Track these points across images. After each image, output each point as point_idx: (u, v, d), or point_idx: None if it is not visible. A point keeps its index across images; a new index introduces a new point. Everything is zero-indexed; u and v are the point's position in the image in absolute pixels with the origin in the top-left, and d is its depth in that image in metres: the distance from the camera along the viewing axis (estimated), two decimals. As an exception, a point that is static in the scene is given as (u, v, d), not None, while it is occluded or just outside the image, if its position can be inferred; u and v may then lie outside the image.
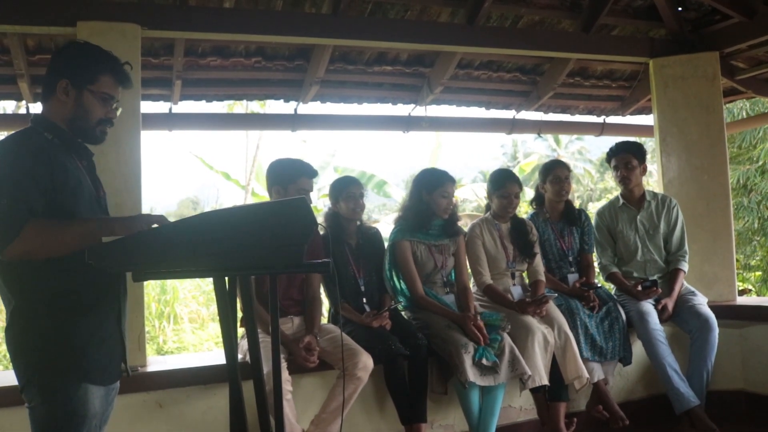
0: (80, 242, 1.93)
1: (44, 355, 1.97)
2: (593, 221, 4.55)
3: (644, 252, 4.36)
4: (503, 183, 4.15)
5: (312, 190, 3.56)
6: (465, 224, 4.37)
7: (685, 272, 4.33)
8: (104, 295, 2.10)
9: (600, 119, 5.95)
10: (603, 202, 15.95)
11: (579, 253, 4.42)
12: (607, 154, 4.52)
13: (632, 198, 4.43)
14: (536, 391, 3.80)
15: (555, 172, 4.36)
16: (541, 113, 5.74)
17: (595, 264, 4.56)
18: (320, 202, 14.67)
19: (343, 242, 3.88)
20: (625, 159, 4.36)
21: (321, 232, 3.59)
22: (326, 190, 15.41)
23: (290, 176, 3.52)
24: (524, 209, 12.05)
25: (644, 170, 4.44)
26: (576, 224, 4.42)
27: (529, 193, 13.94)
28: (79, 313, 2.02)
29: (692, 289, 4.35)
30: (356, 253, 3.90)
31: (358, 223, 3.97)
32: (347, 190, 3.85)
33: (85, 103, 2.12)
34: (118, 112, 2.22)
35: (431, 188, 3.92)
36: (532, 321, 3.80)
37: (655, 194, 4.49)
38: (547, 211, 4.44)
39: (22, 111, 5.06)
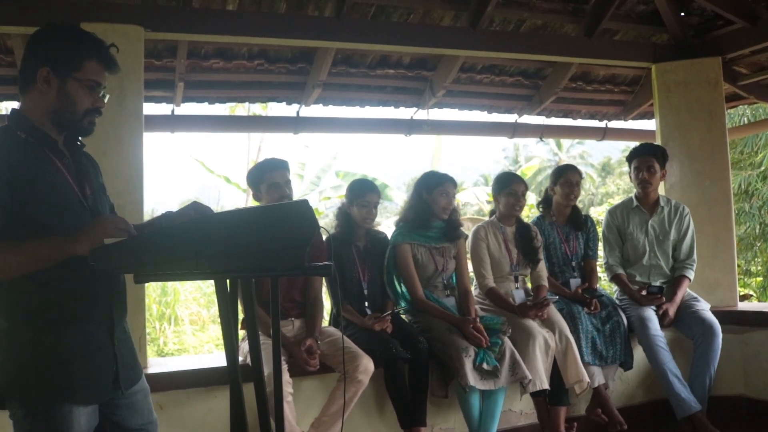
0: (30, 266, 1.81)
1: (26, 371, 1.85)
2: (603, 219, 4.54)
3: (651, 257, 4.35)
4: (509, 182, 4.16)
5: (285, 180, 3.57)
6: (466, 228, 4.37)
7: (690, 280, 4.31)
8: (90, 307, 1.94)
9: (602, 124, 5.96)
10: (605, 206, 15.94)
11: (583, 258, 4.42)
12: (630, 153, 4.48)
13: (646, 201, 4.41)
14: (537, 395, 3.79)
15: (566, 176, 4.36)
16: (543, 117, 5.74)
17: (600, 262, 4.55)
18: (321, 205, 14.69)
19: (351, 243, 3.88)
20: (648, 162, 4.32)
21: (324, 235, 3.59)
22: (327, 193, 15.38)
23: (258, 177, 3.59)
24: (525, 213, 12.06)
25: (663, 175, 4.42)
26: (582, 229, 4.42)
27: (530, 196, 13.95)
28: (61, 326, 1.87)
29: (695, 294, 4.34)
30: (363, 255, 3.90)
31: (368, 227, 3.97)
32: (363, 198, 3.84)
33: (70, 93, 1.92)
34: (106, 99, 2.01)
35: (431, 187, 3.93)
36: (533, 325, 3.79)
37: (669, 200, 4.47)
38: (554, 214, 4.44)
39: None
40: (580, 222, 4.42)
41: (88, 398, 1.92)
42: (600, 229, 4.65)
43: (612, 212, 4.54)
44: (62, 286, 1.88)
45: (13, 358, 1.87)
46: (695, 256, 4.36)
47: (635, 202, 4.43)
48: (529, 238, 4.16)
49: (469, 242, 4.14)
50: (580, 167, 4.59)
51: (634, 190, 4.50)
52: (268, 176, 3.55)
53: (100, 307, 1.97)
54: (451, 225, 4.00)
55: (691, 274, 4.32)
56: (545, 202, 4.53)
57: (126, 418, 2.05)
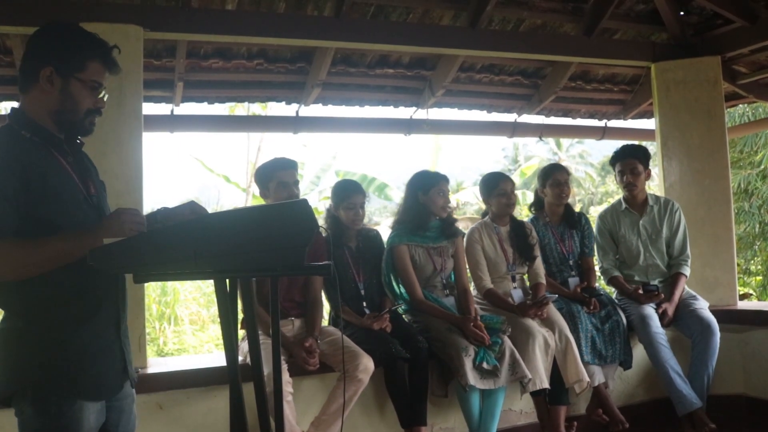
0: (53, 263, 1.82)
1: (40, 368, 1.86)
2: (595, 224, 4.54)
3: (646, 257, 4.35)
4: (497, 182, 4.16)
5: (294, 180, 3.58)
6: (466, 227, 4.37)
7: (686, 277, 4.32)
8: (100, 305, 1.96)
9: (601, 123, 5.97)
10: (604, 205, 15.90)
11: (579, 257, 4.42)
12: (612, 157, 4.49)
13: (635, 202, 4.42)
14: (537, 395, 3.80)
15: (554, 176, 4.36)
16: (543, 117, 5.74)
17: (596, 267, 4.56)
18: (321, 204, 14.69)
19: (343, 245, 3.88)
20: (631, 164, 4.33)
21: (323, 234, 3.59)
22: (327, 192, 15.37)
23: (267, 175, 3.60)
24: (524, 213, 12.06)
25: (648, 175, 4.43)
26: (576, 228, 4.42)
27: (530, 196, 13.94)
28: (73, 325, 1.89)
29: (693, 293, 4.34)
30: (356, 256, 3.90)
31: (358, 228, 3.96)
32: (348, 200, 3.83)
33: (73, 93, 1.92)
34: (105, 99, 2.02)
35: (427, 188, 3.92)
36: (533, 324, 3.80)
37: (657, 198, 4.48)
38: (547, 215, 4.43)
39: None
40: (573, 220, 4.42)
41: (99, 394, 1.95)
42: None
43: (602, 217, 4.54)
44: (75, 284, 1.89)
45: (27, 356, 1.88)
46: (689, 251, 4.37)
47: (624, 204, 4.44)
48: (523, 235, 4.16)
49: (464, 245, 4.13)
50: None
51: (622, 193, 4.51)
52: (277, 175, 3.56)
53: (110, 305, 2.00)
54: (447, 223, 4.00)
55: (687, 270, 4.33)
56: (536, 204, 4.52)
57: (114, 421, 2.07)
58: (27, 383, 1.86)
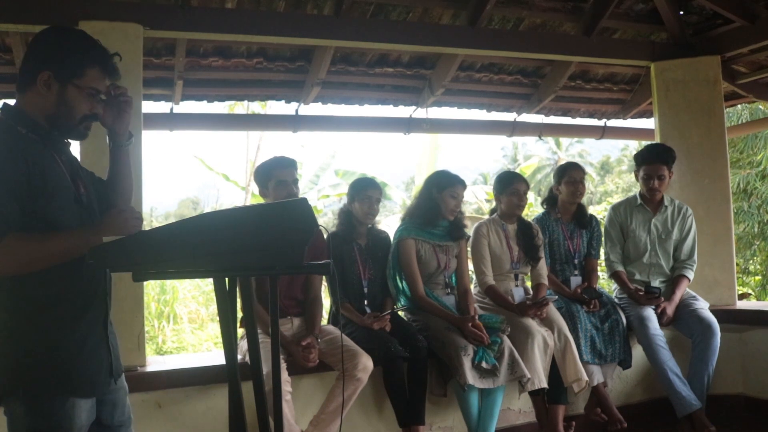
0: (55, 259, 1.84)
1: (30, 369, 1.86)
2: (606, 215, 4.54)
3: (651, 255, 4.35)
4: (511, 181, 4.17)
5: (293, 179, 3.58)
6: (466, 226, 4.37)
7: (689, 280, 4.31)
8: (89, 304, 1.97)
9: (601, 122, 5.97)
10: (604, 205, 15.94)
11: (585, 257, 4.42)
12: (640, 156, 4.39)
13: (651, 201, 4.41)
14: (535, 394, 3.80)
15: (570, 174, 4.35)
16: (542, 116, 5.73)
17: (601, 259, 4.55)
18: (320, 203, 14.68)
19: (353, 241, 3.89)
20: (659, 171, 4.26)
21: (324, 234, 3.60)
22: (326, 191, 15.31)
23: (266, 174, 3.61)
24: (525, 211, 12.03)
25: (671, 176, 4.36)
26: (586, 227, 4.42)
27: (529, 195, 13.90)
28: (64, 325, 1.90)
29: (693, 293, 4.34)
30: (364, 254, 3.91)
31: (370, 225, 3.97)
32: (364, 192, 3.86)
33: (69, 99, 1.92)
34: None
35: (441, 187, 3.93)
36: (532, 324, 3.80)
37: (672, 200, 4.45)
38: (559, 211, 4.43)
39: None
40: (585, 220, 4.42)
41: (90, 391, 1.96)
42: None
43: (615, 208, 4.52)
44: (65, 283, 1.90)
45: (17, 354, 1.88)
46: (696, 257, 4.36)
47: (639, 200, 4.42)
48: (530, 235, 4.17)
49: (470, 239, 4.14)
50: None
51: (637, 189, 4.49)
52: (276, 174, 3.56)
53: (98, 303, 2.01)
54: (455, 225, 4.00)
55: (691, 275, 4.32)
56: (549, 201, 4.52)
57: (109, 414, 2.08)
58: (18, 382, 1.86)
